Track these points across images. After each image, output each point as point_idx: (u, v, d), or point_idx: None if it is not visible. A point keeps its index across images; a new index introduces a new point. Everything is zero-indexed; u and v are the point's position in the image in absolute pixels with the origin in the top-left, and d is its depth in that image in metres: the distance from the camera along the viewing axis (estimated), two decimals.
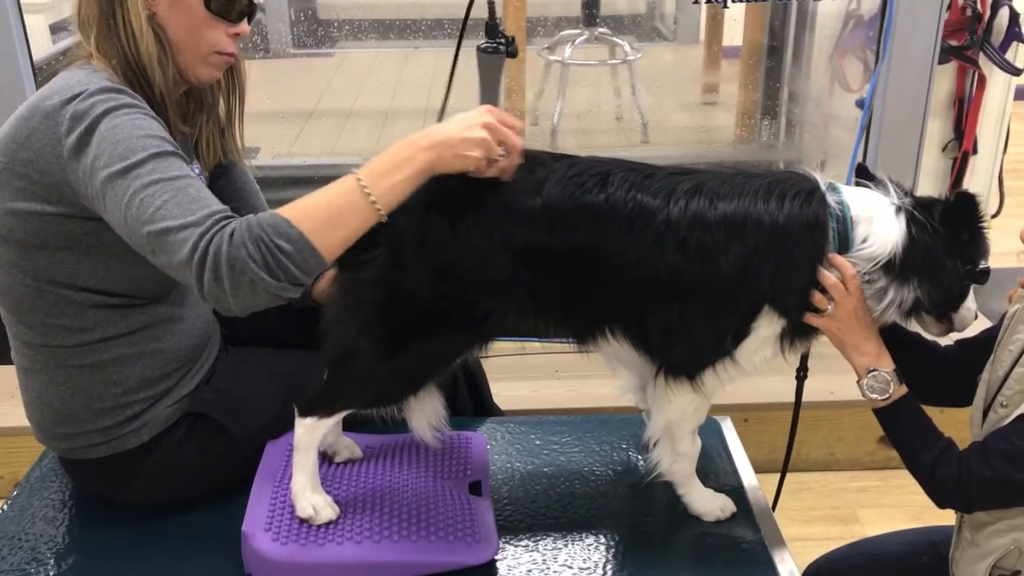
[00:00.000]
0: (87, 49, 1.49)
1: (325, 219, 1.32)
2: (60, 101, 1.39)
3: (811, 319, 1.47)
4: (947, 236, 1.44)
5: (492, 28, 1.53)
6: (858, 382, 1.46)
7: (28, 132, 1.41)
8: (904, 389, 1.45)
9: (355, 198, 1.32)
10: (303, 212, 1.32)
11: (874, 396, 1.45)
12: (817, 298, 1.45)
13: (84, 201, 1.40)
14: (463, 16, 3.35)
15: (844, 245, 1.43)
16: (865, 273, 1.43)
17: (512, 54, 1.53)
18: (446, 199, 1.40)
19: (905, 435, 1.45)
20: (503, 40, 1.52)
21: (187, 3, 1.48)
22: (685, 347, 1.47)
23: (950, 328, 1.53)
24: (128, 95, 1.42)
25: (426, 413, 1.59)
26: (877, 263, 1.42)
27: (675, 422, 1.55)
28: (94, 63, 1.47)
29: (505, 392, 2.31)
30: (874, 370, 1.44)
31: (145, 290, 1.55)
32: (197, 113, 1.64)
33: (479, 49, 1.52)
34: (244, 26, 1.56)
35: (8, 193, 1.44)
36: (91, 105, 1.38)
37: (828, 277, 1.43)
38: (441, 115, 1.65)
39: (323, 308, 1.56)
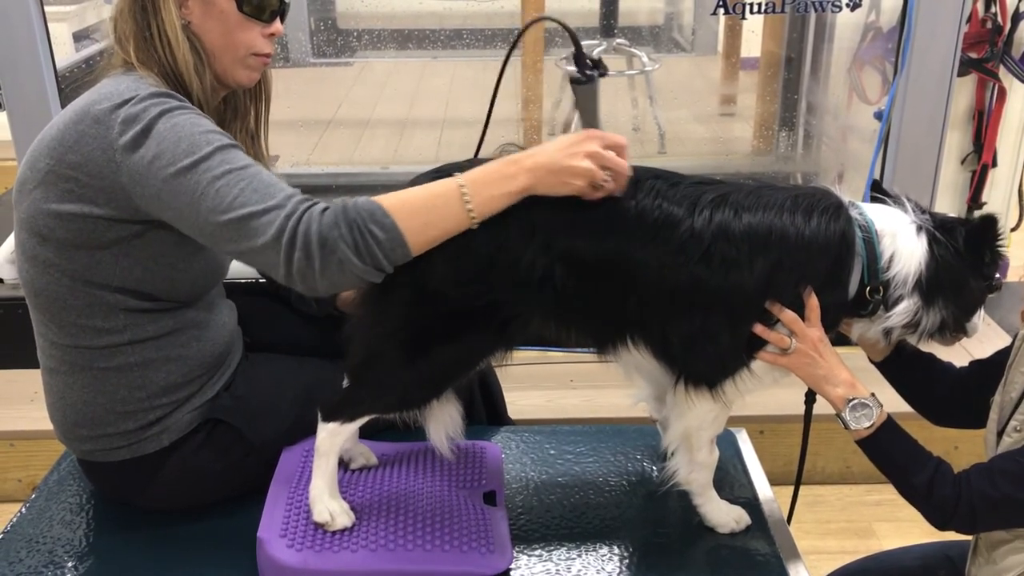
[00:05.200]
0: (122, 58, 1.51)
1: (420, 215, 1.35)
2: (111, 106, 1.41)
3: (776, 360, 1.45)
4: (971, 258, 1.44)
5: (579, 57, 1.51)
6: (838, 415, 1.42)
7: (77, 136, 1.42)
8: (886, 413, 1.41)
9: (453, 202, 1.35)
10: (400, 204, 1.35)
11: (860, 427, 1.40)
12: (775, 337, 1.43)
13: (138, 201, 1.42)
14: (485, 26, 3.35)
15: (872, 257, 1.42)
16: (902, 314, 1.42)
17: (603, 74, 1.52)
18: None
19: (895, 460, 1.40)
20: (592, 65, 1.51)
21: (220, 8, 1.50)
22: (706, 356, 1.47)
23: (960, 339, 1.52)
24: (177, 98, 1.45)
25: (444, 421, 1.59)
26: (909, 282, 1.41)
27: (694, 430, 1.55)
28: (138, 71, 1.49)
29: (520, 401, 2.32)
30: (853, 399, 1.41)
31: (179, 293, 1.57)
32: (232, 121, 1.66)
33: (572, 80, 1.51)
34: (278, 25, 1.58)
35: (53, 194, 1.45)
36: (144, 108, 1.40)
37: (784, 312, 1.42)
38: (485, 128, 1.65)
39: (346, 316, 1.57)
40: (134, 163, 1.39)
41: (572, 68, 1.52)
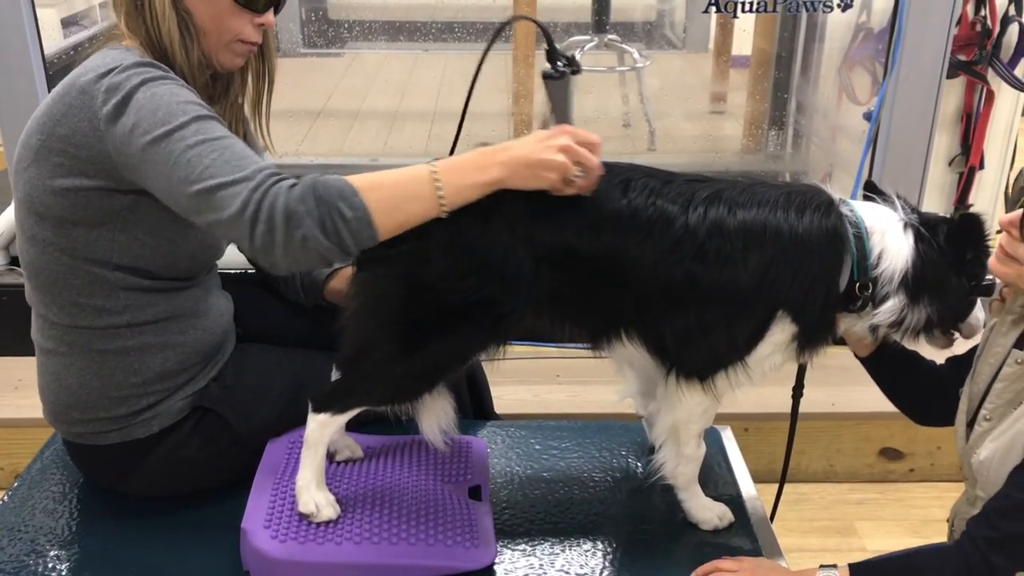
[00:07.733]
0: (119, 28, 1.51)
1: (390, 198, 1.34)
2: (95, 76, 1.41)
3: None
4: (952, 255, 1.45)
5: (552, 53, 1.51)
6: None
7: (64, 108, 1.43)
8: (847, 569, 1.41)
9: (424, 187, 1.35)
10: (370, 185, 1.34)
11: None
12: None
13: (122, 171, 1.42)
14: (477, 20, 3.33)
15: (862, 254, 1.43)
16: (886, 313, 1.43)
17: (576, 72, 1.52)
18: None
19: None
20: (565, 62, 1.50)
21: None
22: (700, 351, 1.48)
23: (952, 341, 1.53)
24: (161, 68, 1.45)
25: (437, 414, 1.59)
26: (895, 279, 1.42)
27: (683, 423, 1.55)
28: (125, 43, 1.50)
29: (506, 396, 2.32)
30: None
31: (178, 270, 1.57)
32: (223, 97, 1.66)
33: (544, 76, 1.51)
34: (269, 16, 1.58)
35: (47, 170, 1.45)
36: (126, 77, 1.40)
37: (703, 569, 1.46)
38: (461, 121, 1.64)
39: (334, 307, 1.57)
40: (116, 132, 1.39)
41: (546, 64, 1.52)
